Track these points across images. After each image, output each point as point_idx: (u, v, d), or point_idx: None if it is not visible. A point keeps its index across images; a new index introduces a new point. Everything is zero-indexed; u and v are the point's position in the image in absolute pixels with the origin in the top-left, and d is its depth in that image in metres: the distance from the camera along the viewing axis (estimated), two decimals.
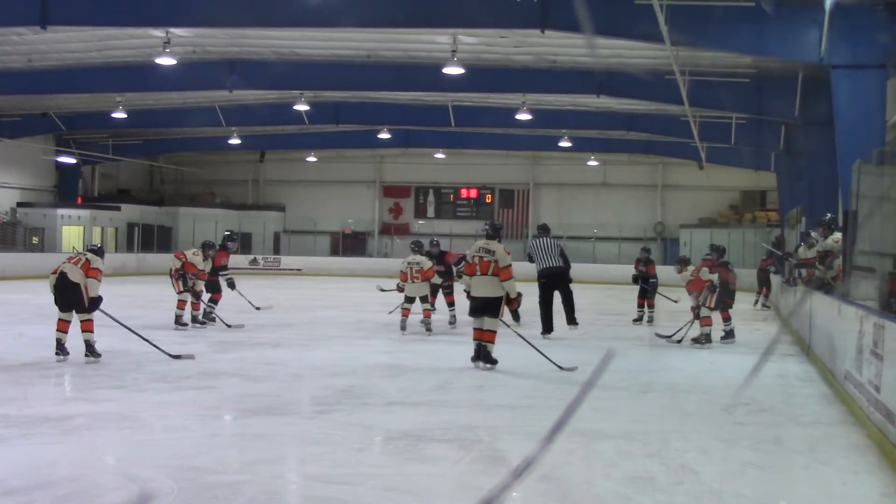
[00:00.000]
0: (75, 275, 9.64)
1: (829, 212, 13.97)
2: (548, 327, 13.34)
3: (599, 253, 36.44)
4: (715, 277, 12.55)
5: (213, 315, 13.90)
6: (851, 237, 10.61)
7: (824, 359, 10.06)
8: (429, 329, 13.38)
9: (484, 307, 9.76)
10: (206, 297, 13.82)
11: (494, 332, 9.83)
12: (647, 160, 37.21)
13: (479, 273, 9.78)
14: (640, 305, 16.05)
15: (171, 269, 13.30)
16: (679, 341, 12.57)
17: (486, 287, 9.73)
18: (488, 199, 40.67)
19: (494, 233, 10.10)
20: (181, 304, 13.37)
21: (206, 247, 13.67)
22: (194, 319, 13.56)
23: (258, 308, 13.58)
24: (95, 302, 9.70)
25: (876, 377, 6.46)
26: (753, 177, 34.55)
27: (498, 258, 9.75)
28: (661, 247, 37.09)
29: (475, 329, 9.90)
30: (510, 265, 9.81)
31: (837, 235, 12.22)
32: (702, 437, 6.62)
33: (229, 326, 13.58)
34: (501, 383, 9.05)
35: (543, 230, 13.94)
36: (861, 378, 7.12)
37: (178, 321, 13.33)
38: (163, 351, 10.10)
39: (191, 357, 10.14)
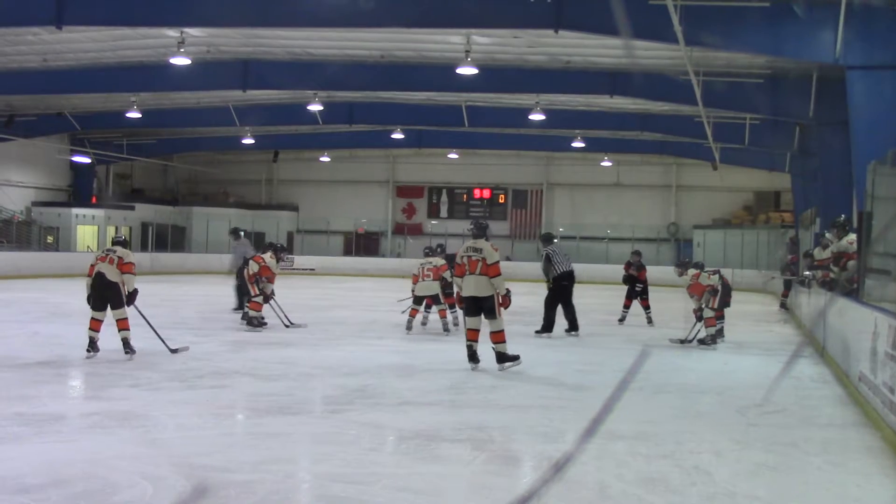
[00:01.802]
0: (112, 274, 9.87)
1: (843, 213, 13.92)
2: (550, 327, 13.48)
3: (612, 254, 36.35)
4: (716, 280, 12.52)
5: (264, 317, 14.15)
6: (866, 238, 10.55)
7: (838, 360, 10.02)
8: (447, 329, 13.38)
9: (478, 307, 9.73)
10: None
11: (501, 331, 9.77)
12: (660, 161, 37.17)
13: (468, 273, 9.76)
14: (645, 307, 16.03)
15: (245, 272, 13.50)
16: (687, 341, 12.57)
17: (475, 286, 9.70)
18: (501, 199, 40.66)
19: (480, 232, 10.05)
20: (257, 307, 13.49)
21: (276, 250, 13.97)
22: (249, 319, 13.63)
23: (290, 325, 13.70)
24: (133, 296, 9.97)
25: (891, 379, 6.42)
26: (767, 178, 34.48)
27: (486, 255, 9.74)
28: (675, 247, 37.02)
29: (470, 330, 9.83)
30: (498, 262, 9.82)
31: (852, 237, 12.17)
32: (715, 439, 6.60)
33: (289, 325, 13.77)
34: (514, 384, 9.04)
35: (552, 238, 14.20)
36: (876, 380, 7.08)
37: (252, 322, 13.46)
38: (165, 344, 10.30)
39: (186, 349, 10.50)
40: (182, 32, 18.76)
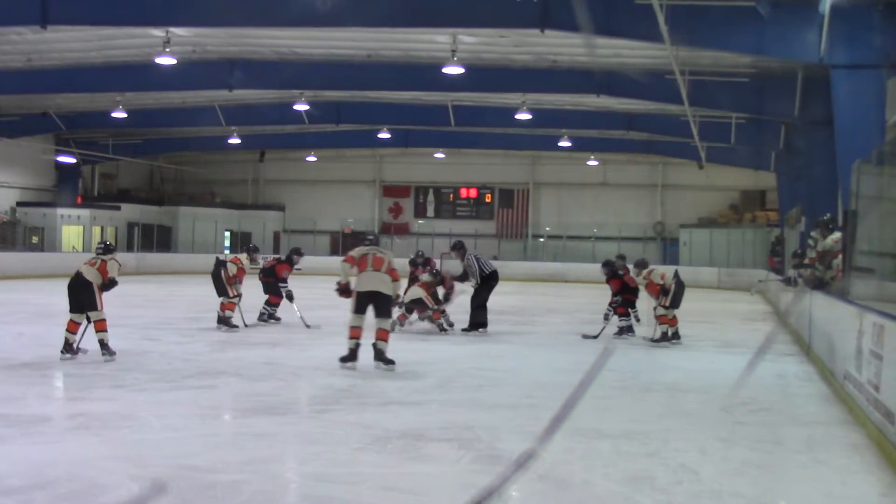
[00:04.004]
0: (89, 274, 9.80)
1: (828, 211, 13.98)
2: (485, 324, 13.71)
3: (599, 253, 36.34)
4: (668, 280, 12.58)
5: (275, 315, 14.39)
6: (851, 237, 10.61)
7: (824, 358, 10.07)
8: (443, 329, 13.47)
9: (373, 304, 9.67)
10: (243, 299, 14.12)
11: (389, 331, 9.79)
12: (646, 160, 37.26)
13: (371, 269, 9.73)
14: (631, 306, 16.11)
15: (223, 273, 13.36)
16: (654, 340, 12.66)
17: (382, 283, 9.71)
18: (488, 198, 40.69)
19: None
20: (232, 307, 13.44)
21: (251, 251, 14.32)
22: (226, 320, 13.51)
23: (308, 326, 13.74)
24: (111, 284, 9.88)
25: (875, 377, 6.46)
26: (753, 176, 34.61)
27: (391, 258, 9.92)
28: (661, 247, 37.12)
29: (355, 328, 9.67)
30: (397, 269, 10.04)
31: (837, 235, 12.23)
32: (701, 437, 6.62)
33: (308, 326, 13.80)
34: (501, 383, 9.06)
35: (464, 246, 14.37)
36: (860, 378, 7.12)
37: (229, 323, 13.35)
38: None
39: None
40: (168, 32, 18.70)
